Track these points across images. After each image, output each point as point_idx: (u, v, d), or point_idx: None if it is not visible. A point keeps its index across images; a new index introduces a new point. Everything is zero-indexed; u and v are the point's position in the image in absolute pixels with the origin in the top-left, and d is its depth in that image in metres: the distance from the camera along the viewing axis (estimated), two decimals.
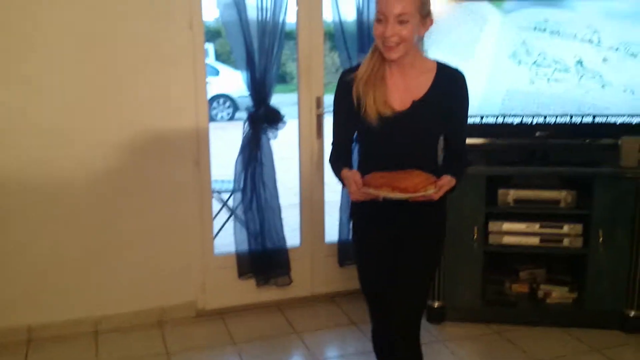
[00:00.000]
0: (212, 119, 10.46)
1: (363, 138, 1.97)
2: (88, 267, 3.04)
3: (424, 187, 1.79)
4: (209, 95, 3.24)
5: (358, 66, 1.96)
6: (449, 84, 1.92)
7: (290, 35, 3.25)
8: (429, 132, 1.93)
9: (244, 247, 3.30)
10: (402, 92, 1.90)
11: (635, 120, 2.94)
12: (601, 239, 2.93)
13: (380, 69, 1.91)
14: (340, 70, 1.88)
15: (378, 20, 1.83)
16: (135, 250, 3.10)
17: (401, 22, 1.79)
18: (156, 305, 3.19)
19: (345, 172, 1.89)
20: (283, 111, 3.23)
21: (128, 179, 3.03)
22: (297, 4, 3.17)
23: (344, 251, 3.45)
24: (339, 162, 1.98)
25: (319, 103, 3.30)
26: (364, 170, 1.89)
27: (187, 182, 3.13)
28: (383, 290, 2.01)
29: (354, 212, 2.08)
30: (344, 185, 1.94)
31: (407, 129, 1.88)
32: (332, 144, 2.04)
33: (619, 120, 2.95)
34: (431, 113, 1.90)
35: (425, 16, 1.85)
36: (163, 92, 3.00)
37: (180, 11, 2.95)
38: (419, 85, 1.91)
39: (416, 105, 1.89)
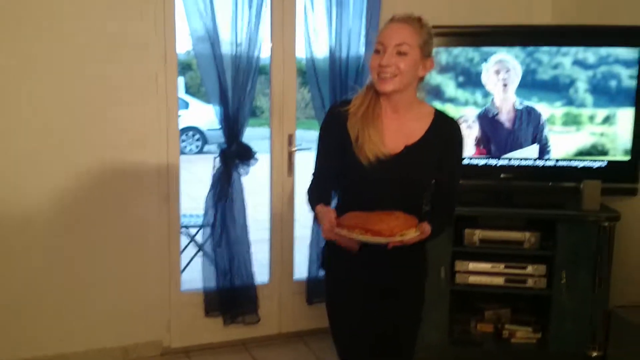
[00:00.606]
0: (180, 151, 10.52)
1: (348, 175, 1.85)
2: (51, 303, 2.96)
3: (401, 230, 1.65)
4: (179, 127, 3.22)
5: (348, 101, 1.87)
6: (444, 133, 1.84)
7: (261, 70, 3.28)
8: (417, 180, 1.84)
9: (212, 283, 3.26)
10: (395, 134, 1.82)
11: (596, 165, 3.05)
12: (564, 280, 2.99)
13: (376, 108, 1.82)
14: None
15: (376, 51, 1.76)
16: (99, 286, 3.04)
17: (400, 53, 1.72)
18: (120, 343, 3.11)
19: (321, 207, 1.77)
20: (253, 145, 3.24)
21: (94, 212, 2.99)
22: (271, 40, 3.22)
23: (313, 289, 3.44)
24: (317, 195, 1.86)
25: (290, 140, 3.34)
26: (343, 208, 1.80)
27: (156, 217, 3.10)
28: (363, 354, 1.91)
29: (327, 254, 1.98)
30: (317, 220, 1.82)
31: (396, 173, 1.79)
32: (313, 175, 1.93)
33: (580, 164, 3.06)
34: (422, 160, 1.82)
35: (426, 56, 1.78)
36: (134, 125, 2.99)
37: (154, 44, 2.96)
38: (414, 130, 1.83)
39: (408, 150, 1.81)
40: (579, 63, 2.98)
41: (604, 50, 2.95)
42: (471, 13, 3.24)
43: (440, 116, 1.86)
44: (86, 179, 2.94)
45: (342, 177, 1.89)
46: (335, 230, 1.70)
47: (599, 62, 2.96)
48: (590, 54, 2.96)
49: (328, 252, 1.98)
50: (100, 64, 2.89)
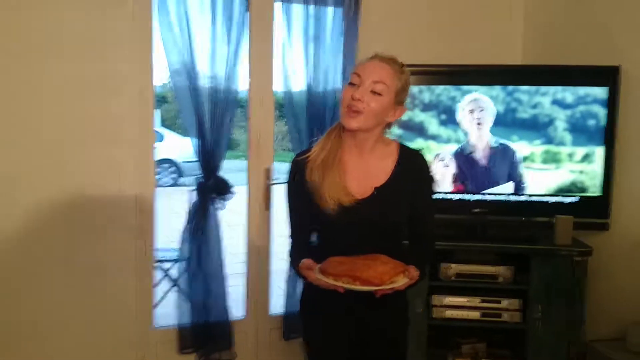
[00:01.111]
0: (156, 184, 10.43)
1: (320, 227, 1.81)
2: (15, 342, 2.87)
3: (390, 277, 1.60)
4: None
5: (308, 150, 1.84)
6: (413, 168, 1.80)
7: (241, 102, 3.30)
8: (393, 220, 1.79)
9: (186, 319, 3.20)
10: (362, 177, 1.77)
11: (568, 200, 3.11)
12: (539, 314, 3.02)
13: (338, 152, 1.78)
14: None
15: (351, 84, 1.72)
16: (69, 323, 2.96)
17: (374, 92, 1.69)
18: None
19: (302, 265, 1.72)
20: (230, 177, 3.22)
21: (64, 246, 2.93)
22: (250, 75, 3.24)
23: (290, 324, 3.40)
24: (298, 256, 1.79)
25: (268, 174, 3.34)
26: (324, 252, 1.73)
27: (129, 251, 3.05)
28: None
29: (305, 296, 1.93)
30: (304, 278, 1.74)
31: (369, 218, 1.73)
32: (291, 237, 1.87)
33: (552, 200, 3.11)
34: (394, 200, 1.77)
35: (399, 103, 1.76)
36: (108, 158, 2.96)
37: (132, 78, 2.95)
38: (381, 169, 1.78)
39: (378, 192, 1.76)
40: (557, 102, 3.06)
41: (581, 90, 3.04)
42: (445, 53, 3.31)
43: (404, 150, 1.83)
44: (57, 211, 2.89)
45: (317, 230, 1.85)
46: (319, 276, 1.64)
47: (577, 101, 3.05)
48: (568, 94, 3.05)
49: (306, 291, 1.94)
50: (76, 98, 2.87)
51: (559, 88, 3.06)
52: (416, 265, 1.72)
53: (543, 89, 3.07)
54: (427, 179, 1.85)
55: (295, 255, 1.83)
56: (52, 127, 2.85)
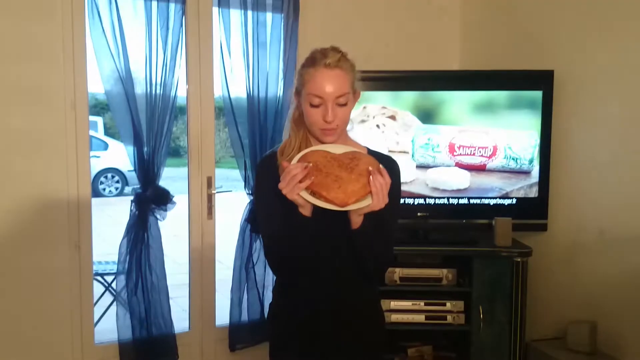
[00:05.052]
0: (99, 194, 10.18)
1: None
2: None
3: (357, 199, 1.53)
4: (97, 169, 3.11)
5: (275, 151, 1.76)
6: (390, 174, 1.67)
7: (182, 110, 3.22)
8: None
9: (128, 334, 3.10)
10: None
11: (507, 202, 3.17)
12: (482, 316, 3.06)
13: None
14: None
15: (313, 105, 1.64)
16: (4, 340, 2.82)
17: (340, 104, 1.64)
18: None
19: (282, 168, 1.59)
20: (176, 186, 3.15)
21: None
22: (187, 81, 3.18)
23: (236, 334, 3.35)
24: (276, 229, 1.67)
25: (209, 182, 3.28)
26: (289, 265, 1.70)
27: (66, 265, 2.93)
28: None
29: (275, 316, 1.85)
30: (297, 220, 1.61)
31: (341, 220, 1.63)
32: (264, 232, 1.76)
33: (492, 202, 3.17)
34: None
35: (354, 90, 1.71)
36: (42, 169, 2.86)
37: (63, 85, 2.85)
38: None
39: None
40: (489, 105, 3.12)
41: (513, 93, 3.12)
42: (384, 59, 3.33)
43: (378, 156, 1.73)
44: None
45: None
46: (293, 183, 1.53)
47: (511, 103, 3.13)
48: (501, 96, 3.13)
49: (275, 309, 1.87)
50: (5, 107, 2.76)
51: (497, 92, 3.12)
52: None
53: (480, 93, 3.13)
54: (397, 184, 1.78)
55: (272, 247, 1.72)
56: None
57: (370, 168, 1.56)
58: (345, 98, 1.65)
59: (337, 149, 1.64)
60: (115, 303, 3.24)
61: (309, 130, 1.72)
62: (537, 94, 3.10)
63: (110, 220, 4.67)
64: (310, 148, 1.65)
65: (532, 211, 3.18)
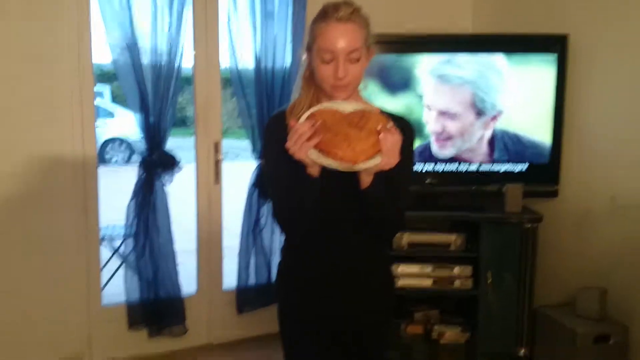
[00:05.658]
0: (106, 162, 10.18)
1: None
2: None
3: (367, 157, 1.49)
4: (104, 138, 3.11)
5: (284, 110, 1.71)
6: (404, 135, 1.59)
7: (189, 80, 3.21)
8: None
9: (135, 296, 3.13)
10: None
11: (517, 169, 3.13)
12: (490, 281, 3.05)
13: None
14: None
15: (324, 61, 1.58)
16: (13, 302, 2.86)
17: (352, 61, 1.58)
18: None
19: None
20: (183, 155, 3.14)
21: (4, 226, 2.81)
22: (194, 49, 3.14)
23: (243, 298, 3.37)
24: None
25: (217, 148, 3.26)
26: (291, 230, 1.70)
27: (73, 230, 2.95)
28: None
29: (282, 276, 1.82)
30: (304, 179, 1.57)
31: (350, 179, 1.59)
32: (272, 192, 1.70)
33: (502, 169, 3.13)
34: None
35: (369, 47, 1.63)
36: (48, 136, 2.85)
37: (69, 54, 2.84)
38: None
39: None
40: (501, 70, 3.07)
41: (525, 56, 3.05)
42: (395, 23, 3.26)
43: (390, 117, 1.62)
44: None
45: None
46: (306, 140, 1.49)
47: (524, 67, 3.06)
48: (514, 60, 3.06)
49: (283, 269, 1.84)
50: (11, 75, 2.75)
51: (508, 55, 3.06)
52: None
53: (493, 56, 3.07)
54: (411, 146, 1.72)
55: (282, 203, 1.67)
56: None
57: (380, 126, 1.53)
58: (358, 54, 1.58)
59: (346, 105, 1.58)
60: (123, 266, 3.26)
61: (320, 87, 1.67)
62: (552, 57, 3.04)
63: (118, 187, 4.65)
64: (319, 106, 1.59)
65: (543, 177, 3.14)
